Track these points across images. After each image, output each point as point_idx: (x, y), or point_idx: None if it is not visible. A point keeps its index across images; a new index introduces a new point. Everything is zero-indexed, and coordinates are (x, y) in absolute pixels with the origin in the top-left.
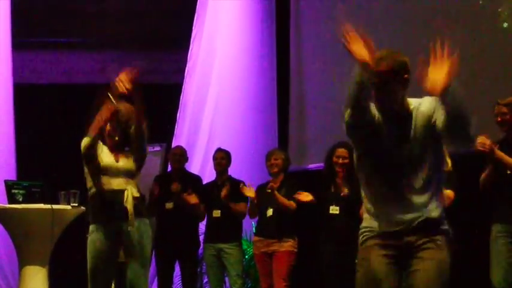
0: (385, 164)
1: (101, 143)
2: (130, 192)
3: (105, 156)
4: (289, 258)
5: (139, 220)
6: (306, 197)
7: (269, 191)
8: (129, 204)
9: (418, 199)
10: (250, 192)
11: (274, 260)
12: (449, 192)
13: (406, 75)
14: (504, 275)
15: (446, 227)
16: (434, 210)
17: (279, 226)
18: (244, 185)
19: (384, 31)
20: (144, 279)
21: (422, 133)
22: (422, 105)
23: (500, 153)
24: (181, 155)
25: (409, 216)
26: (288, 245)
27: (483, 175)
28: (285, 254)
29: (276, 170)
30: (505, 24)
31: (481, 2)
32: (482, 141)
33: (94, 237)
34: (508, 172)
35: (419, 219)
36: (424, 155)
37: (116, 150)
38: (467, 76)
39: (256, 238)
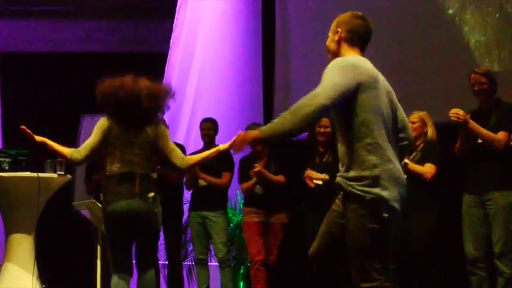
0: None
1: None
2: None
3: None
4: (284, 230)
5: None
6: (317, 176)
7: (255, 174)
8: None
9: None
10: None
11: (271, 231)
12: (428, 167)
13: None
14: (475, 244)
15: None
16: None
17: (271, 200)
18: (231, 154)
19: None
20: None
21: None
22: None
23: (474, 123)
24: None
25: None
26: (284, 217)
27: (456, 145)
28: (283, 226)
29: (260, 146)
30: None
31: None
32: (456, 111)
33: None
34: (479, 141)
35: None
36: None
37: None
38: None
39: (247, 209)
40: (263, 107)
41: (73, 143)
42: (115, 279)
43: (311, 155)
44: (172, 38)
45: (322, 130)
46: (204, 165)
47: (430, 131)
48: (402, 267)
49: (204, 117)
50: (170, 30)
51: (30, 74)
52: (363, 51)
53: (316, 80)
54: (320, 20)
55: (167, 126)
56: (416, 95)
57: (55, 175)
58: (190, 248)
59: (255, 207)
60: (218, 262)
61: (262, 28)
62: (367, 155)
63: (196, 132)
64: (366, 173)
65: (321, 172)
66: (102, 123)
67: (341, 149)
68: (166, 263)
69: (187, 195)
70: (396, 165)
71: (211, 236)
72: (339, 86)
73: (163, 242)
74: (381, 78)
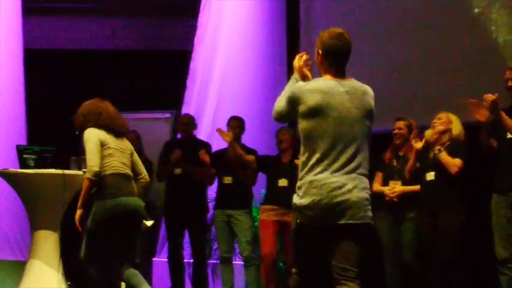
0: None
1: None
2: None
3: None
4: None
5: None
6: None
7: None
8: None
9: None
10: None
11: (287, 231)
12: (456, 161)
13: None
14: (504, 244)
15: None
16: None
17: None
18: (257, 154)
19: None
20: None
21: None
22: None
23: (504, 114)
24: (188, 123)
25: None
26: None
27: (481, 136)
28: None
29: (285, 145)
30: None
31: None
32: (488, 96)
33: None
34: (509, 136)
35: None
36: None
37: None
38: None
39: (267, 206)
40: None
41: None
42: (129, 271)
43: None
44: (196, 35)
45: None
46: (230, 164)
47: (457, 130)
48: (425, 268)
49: (228, 115)
50: (194, 27)
51: (55, 71)
52: (340, 71)
53: None
54: (344, 18)
55: (195, 126)
56: (443, 95)
57: (80, 172)
58: (215, 247)
59: (275, 204)
60: (243, 261)
61: (286, 25)
62: (300, 170)
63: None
64: (298, 183)
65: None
66: (94, 135)
67: None
68: (191, 261)
69: (211, 193)
70: (327, 178)
71: (236, 235)
72: (284, 109)
73: (188, 240)
74: (342, 100)
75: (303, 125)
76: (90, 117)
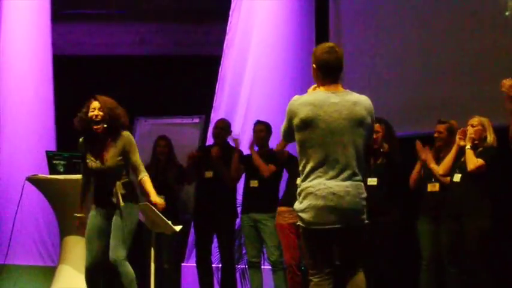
0: None
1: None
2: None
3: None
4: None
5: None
6: None
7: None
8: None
9: None
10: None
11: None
12: (479, 160)
13: None
14: None
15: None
16: None
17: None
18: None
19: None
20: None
21: None
22: None
23: None
24: (223, 128)
25: None
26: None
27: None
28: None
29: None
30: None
31: None
32: (505, 81)
33: None
34: None
35: None
36: None
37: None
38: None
39: (283, 208)
40: None
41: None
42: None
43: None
44: (226, 40)
45: (374, 136)
46: (257, 169)
47: (490, 137)
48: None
49: (258, 119)
50: (223, 32)
51: (84, 77)
52: (334, 83)
53: (370, 77)
54: (373, 19)
55: (230, 132)
56: (473, 99)
57: None
58: (244, 251)
59: (290, 205)
60: (271, 265)
61: (315, 28)
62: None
63: (249, 135)
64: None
65: (374, 174)
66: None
67: None
68: (220, 265)
69: (240, 197)
70: (322, 184)
71: (263, 240)
72: (285, 127)
73: (217, 245)
74: (331, 111)
75: (297, 136)
76: (124, 120)
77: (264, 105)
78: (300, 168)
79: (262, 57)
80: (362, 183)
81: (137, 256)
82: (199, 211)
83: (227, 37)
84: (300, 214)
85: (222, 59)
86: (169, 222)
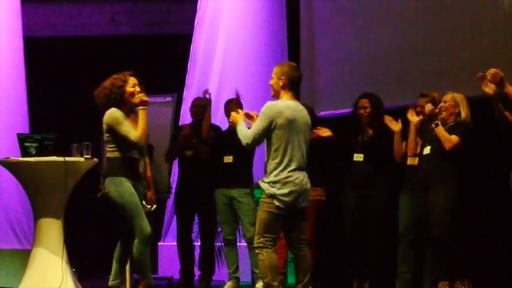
0: None
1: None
2: None
3: None
4: (318, 207)
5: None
6: (324, 132)
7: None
8: None
9: None
10: None
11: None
12: (452, 137)
13: None
14: None
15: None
16: None
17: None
18: None
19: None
20: None
21: None
22: None
23: (510, 88)
24: (200, 107)
25: None
26: (317, 194)
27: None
28: (315, 202)
29: None
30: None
31: None
32: (494, 72)
33: None
34: None
35: None
36: None
37: None
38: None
39: None
40: None
41: (99, 126)
42: None
43: (353, 132)
44: (196, 19)
45: (362, 111)
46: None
47: (464, 112)
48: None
49: (229, 97)
50: (194, 11)
51: (56, 58)
52: (296, 94)
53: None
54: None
55: None
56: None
57: (82, 159)
58: (219, 229)
59: None
60: (247, 242)
61: (286, 7)
62: (273, 169)
63: (221, 113)
64: (271, 179)
65: (362, 149)
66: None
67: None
68: (198, 244)
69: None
70: (295, 174)
71: (239, 217)
72: (260, 130)
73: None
74: (299, 116)
75: (278, 134)
76: None
77: (235, 83)
78: (277, 161)
79: (232, 34)
80: None
81: (113, 237)
82: (181, 190)
83: (197, 15)
84: (282, 198)
85: (193, 37)
86: (143, 201)
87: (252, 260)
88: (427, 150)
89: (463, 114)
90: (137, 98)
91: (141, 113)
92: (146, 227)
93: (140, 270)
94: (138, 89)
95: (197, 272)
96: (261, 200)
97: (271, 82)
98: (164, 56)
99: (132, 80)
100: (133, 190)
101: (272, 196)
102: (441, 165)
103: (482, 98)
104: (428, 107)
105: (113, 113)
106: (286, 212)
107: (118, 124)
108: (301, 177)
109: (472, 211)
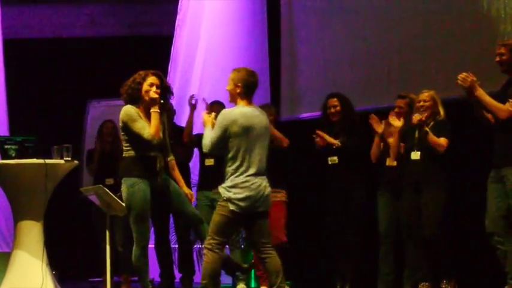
0: None
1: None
2: None
3: None
4: (284, 209)
5: None
6: (329, 138)
7: None
8: None
9: None
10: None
11: (271, 211)
12: (442, 140)
13: None
14: (492, 218)
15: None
16: None
17: (270, 177)
18: None
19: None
20: None
21: None
22: None
23: (480, 91)
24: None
25: None
26: (281, 196)
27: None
28: (281, 204)
29: None
30: None
31: None
32: (464, 76)
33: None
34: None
35: None
36: None
37: None
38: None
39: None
40: (270, 86)
41: (80, 128)
42: None
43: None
44: (177, 20)
45: (332, 110)
46: None
47: (442, 111)
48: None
49: (210, 99)
50: (175, 12)
51: (35, 60)
52: (251, 99)
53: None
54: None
55: (174, 112)
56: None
57: (62, 161)
58: None
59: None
60: (227, 244)
61: (267, 8)
62: (230, 174)
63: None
64: (228, 183)
65: (335, 151)
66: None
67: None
68: (176, 246)
69: (195, 177)
70: (252, 179)
71: None
72: (215, 139)
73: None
74: (256, 122)
75: (234, 142)
76: None
77: (216, 84)
78: (234, 167)
79: (214, 36)
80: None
81: (93, 239)
82: None
83: (178, 17)
84: (237, 202)
85: (174, 39)
86: (123, 204)
87: None
88: (416, 155)
89: (442, 113)
90: (147, 96)
91: (153, 113)
92: (146, 235)
93: (138, 275)
94: (154, 88)
95: (178, 275)
96: (218, 203)
97: (228, 88)
98: (144, 58)
99: (152, 79)
100: (145, 193)
101: (228, 200)
102: (432, 169)
103: (460, 100)
104: (416, 117)
105: (127, 110)
106: (241, 217)
107: (132, 121)
108: (259, 182)
109: (457, 211)
